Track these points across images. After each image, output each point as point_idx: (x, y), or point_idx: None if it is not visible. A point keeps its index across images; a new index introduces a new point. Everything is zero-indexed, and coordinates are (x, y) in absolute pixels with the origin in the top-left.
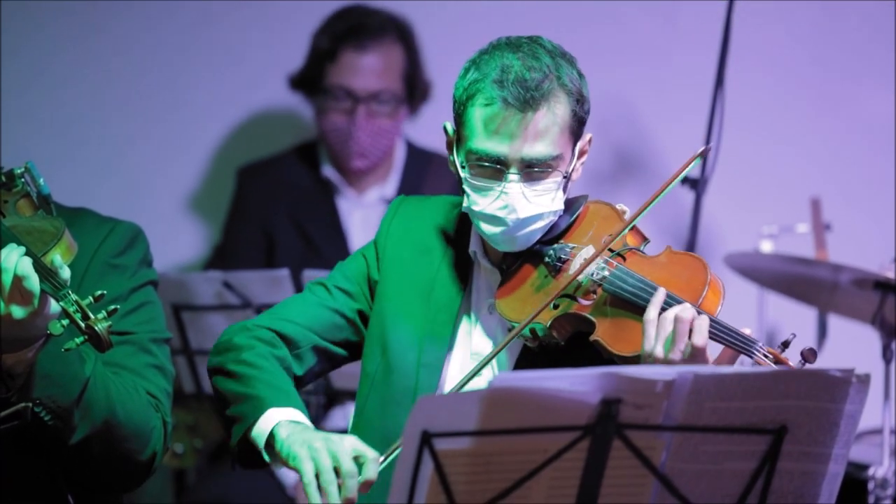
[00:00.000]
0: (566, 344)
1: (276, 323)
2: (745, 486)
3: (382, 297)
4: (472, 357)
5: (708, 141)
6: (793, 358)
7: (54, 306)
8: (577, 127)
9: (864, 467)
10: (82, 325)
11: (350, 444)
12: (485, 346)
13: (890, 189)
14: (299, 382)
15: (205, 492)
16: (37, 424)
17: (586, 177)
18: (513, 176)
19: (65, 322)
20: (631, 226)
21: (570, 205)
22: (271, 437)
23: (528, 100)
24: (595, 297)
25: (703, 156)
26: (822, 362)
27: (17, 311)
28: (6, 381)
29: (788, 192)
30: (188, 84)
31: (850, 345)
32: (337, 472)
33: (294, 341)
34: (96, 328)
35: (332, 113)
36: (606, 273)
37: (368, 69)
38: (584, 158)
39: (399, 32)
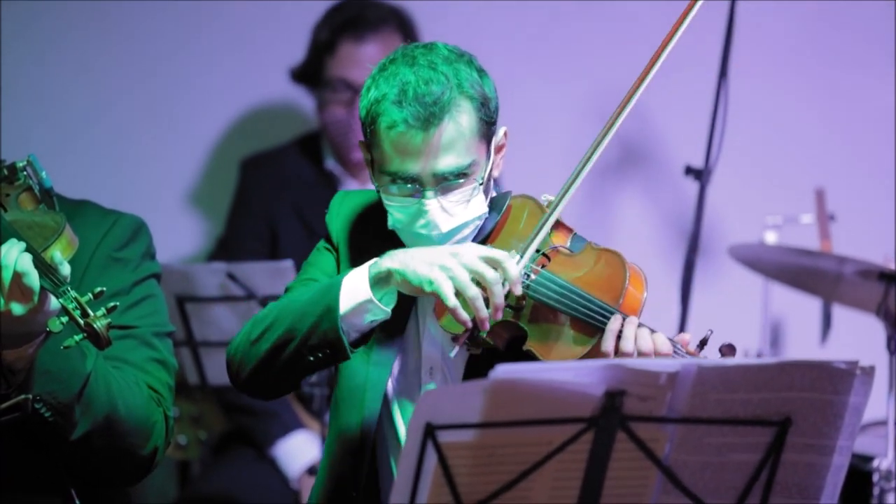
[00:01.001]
0: (506, 349)
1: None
2: (749, 478)
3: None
4: (423, 360)
5: (712, 131)
6: (712, 355)
7: (54, 303)
8: (486, 129)
9: (869, 459)
10: (81, 322)
11: (475, 251)
12: (433, 350)
13: (893, 180)
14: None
15: (209, 484)
16: (38, 420)
17: (593, 170)
18: (429, 193)
19: (64, 319)
20: (546, 223)
21: (495, 203)
22: (380, 277)
23: (428, 117)
24: (524, 303)
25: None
26: (826, 354)
27: (17, 308)
28: (6, 376)
29: (792, 183)
30: (190, 76)
31: (855, 336)
32: (476, 281)
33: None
34: (95, 325)
35: (332, 105)
36: (530, 281)
37: (367, 60)
38: (503, 152)
39: (398, 23)
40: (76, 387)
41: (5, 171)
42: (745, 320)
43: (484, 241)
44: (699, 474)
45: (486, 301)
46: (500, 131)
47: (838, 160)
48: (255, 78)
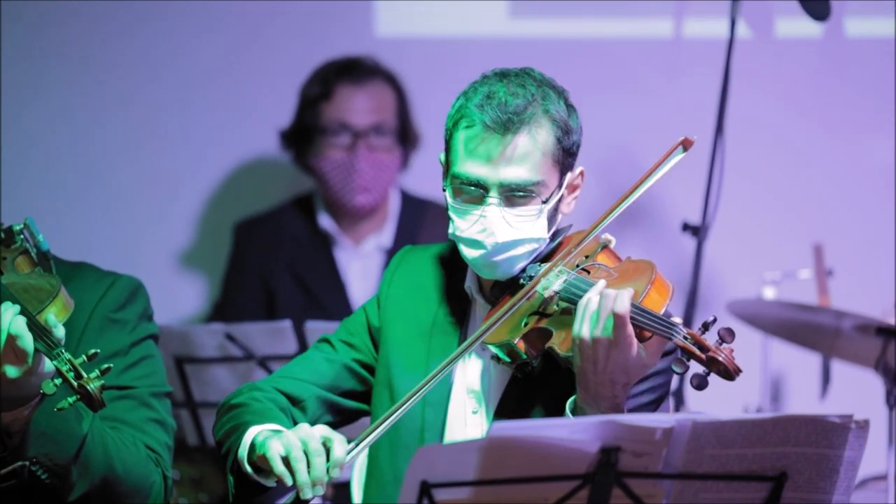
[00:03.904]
0: (546, 370)
1: (277, 382)
2: None
3: (386, 342)
4: (468, 394)
5: (709, 187)
6: (711, 338)
7: (48, 365)
8: (562, 156)
9: None
10: (75, 384)
11: (319, 431)
12: (477, 381)
13: (891, 235)
14: None
15: None
16: (35, 482)
17: (588, 220)
18: (492, 199)
19: (58, 381)
20: (597, 230)
21: (556, 235)
22: (252, 450)
23: (507, 122)
24: (556, 308)
25: (685, 147)
26: (826, 409)
27: (11, 371)
28: (3, 439)
29: (790, 239)
30: (185, 138)
31: (854, 391)
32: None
33: (296, 395)
34: (89, 387)
35: (330, 151)
36: (563, 284)
37: (365, 103)
38: (576, 193)
39: (388, 77)
40: (73, 448)
41: (2, 235)
42: (745, 376)
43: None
44: None
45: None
46: (577, 170)
47: (836, 215)
48: (249, 139)
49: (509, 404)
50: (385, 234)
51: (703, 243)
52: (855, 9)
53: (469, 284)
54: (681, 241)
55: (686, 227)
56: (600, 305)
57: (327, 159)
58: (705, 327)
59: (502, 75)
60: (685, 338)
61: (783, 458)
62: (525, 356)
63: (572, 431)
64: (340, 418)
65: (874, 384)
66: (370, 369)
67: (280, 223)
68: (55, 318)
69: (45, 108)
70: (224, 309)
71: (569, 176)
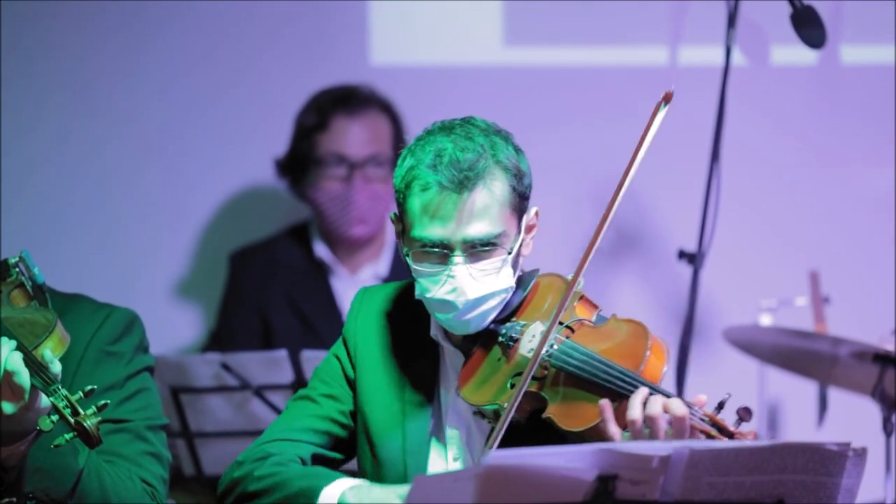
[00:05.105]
0: (527, 422)
1: (266, 446)
2: None
3: (361, 394)
4: (447, 439)
5: (705, 215)
6: (729, 418)
7: (45, 401)
8: (518, 202)
9: None
10: (72, 420)
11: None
12: (457, 425)
13: (888, 261)
14: None
15: None
16: None
17: (579, 246)
18: (457, 258)
19: (54, 418)
20: (575, 292)
21: (522, 281)
22: None
23: (462, 180)
24: (546, 373)
25: (667, 101)
26: (823, 436)
27: (8, 407)
28: (0, 474)
29: (786, 266)
30: (180, 167)
31: (851, 418)
32: None
33: (290, 455)
34: (85, 424)
35: (326, 182)
36: (553, 350)
37: (361, 134)
38: (533, 233)
39: (384, 106)
40: (69, 483)
41: None
42: (742, 403)
43: (509, 317)
44: None
45: None
46: (532, 210)
47: (832, 242)
48: (245, 168)
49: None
50: (382, 264)
51: (699, 271)
52: (850, 36)
53: (435, 332)
54: (677, 269)
55: (682, 254)
56: (652, 428)
57: (323, 190)
58: (720, 407)
59: (447, 129)
60: (702, 419)
61: (780, 486)
62: (514, 418)
63: (569, 460)
64: (332, 467)
65: (871, 411)
66: (353, 415)
67: (276, 252)
68: (51, 354)
69: (40, 139)
70: (220, 338)
71: (525, 218)
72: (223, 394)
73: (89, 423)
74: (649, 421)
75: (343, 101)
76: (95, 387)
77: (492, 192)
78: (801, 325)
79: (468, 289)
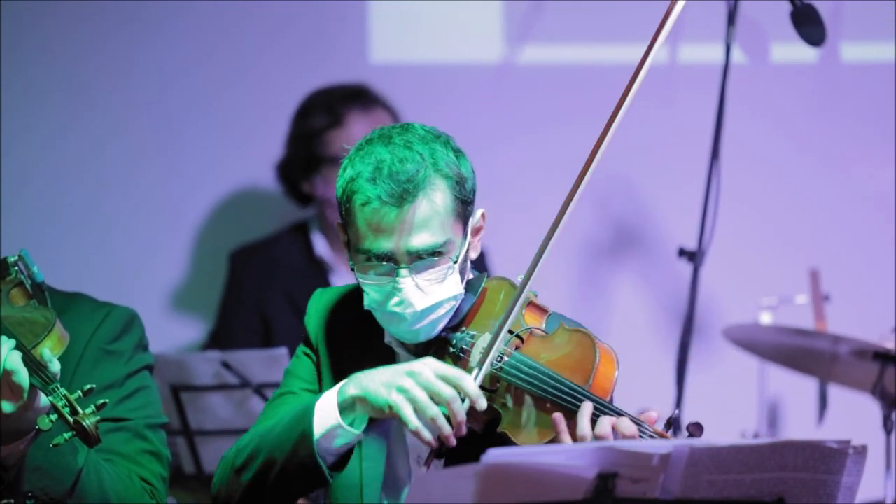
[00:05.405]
0: (483, 432)
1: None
2: None
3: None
4: (409, 449)
5: (705, 213)
6: (680, 435)
7: (44, 400)
8: (461, 209)
9: None
10: (70, 420)
11: (432, 369)
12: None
13: (888, 259)
14: None
15: None
16: None
17: (587, 251)
18: (403, 270)
19: (53, 417)
20: (514, 307)
21: (471, 285)
22: (346, 404)
23: (402, 193)
24: (498, 385)
25: None
26: (823, 434)
27: (7, 406)
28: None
29: (787, 264)
30: (179, 166)
31: (851, 416)
32: (435, 399)
33: None
34: (84, 423)
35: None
36: (503, 363)
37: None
38: (480, 234)
39: (385, 104)
40: (68, 482)
41: None
42: (742, 401)
43: (460, 324)
44: None
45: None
46: (478, 213)
47: (832, 240)
48: (244, 167)
49: (457, 458)
50: None
51: (699, 269)
52: (850, 34)
53: (389, 340)
54: (677, 267)
55: (682, 252)
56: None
57: (334, 186)
58: (669, 424)
59: (386, 138)
60: (651, 436)
61: (780, 484)
62: (470, 428)
63: (569, 457)
64: None
65: (871, 409)
66: None
67: (276, 251)
68: (50, 353)
69: (40, 138)
70: (220, 337)
71: (471, 222)
72: (223, 392)
73: (88, 422)
74: (599, 439)
75: (356, 97)
76: (94, 386)
77: (433, 202)
78: (802, 324)
79: (415, 300)
